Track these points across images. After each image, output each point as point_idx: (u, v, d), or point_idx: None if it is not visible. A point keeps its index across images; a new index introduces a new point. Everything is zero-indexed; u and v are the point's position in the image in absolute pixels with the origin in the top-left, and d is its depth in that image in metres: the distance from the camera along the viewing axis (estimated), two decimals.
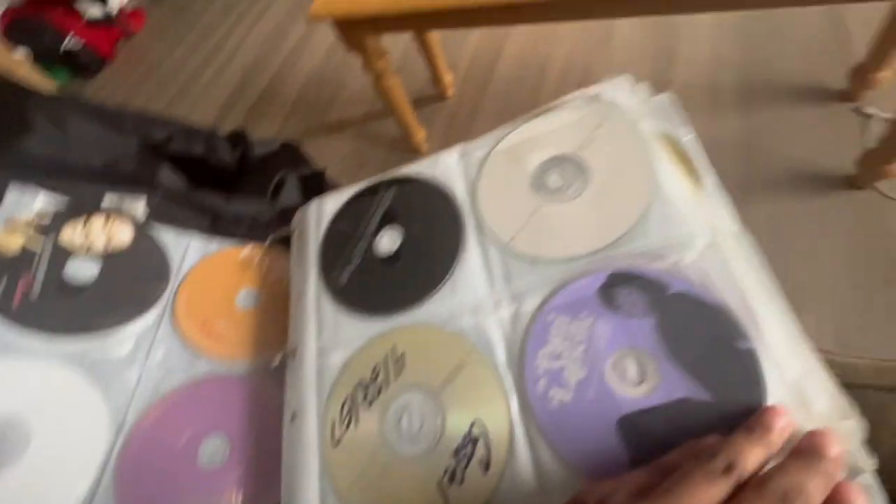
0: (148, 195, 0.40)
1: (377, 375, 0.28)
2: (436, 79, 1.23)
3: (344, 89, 1.40)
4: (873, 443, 0.29)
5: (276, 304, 0.36)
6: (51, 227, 0.34)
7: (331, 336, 0.30)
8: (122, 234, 0.36)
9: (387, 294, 0.30)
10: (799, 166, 0.90)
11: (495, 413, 0.25)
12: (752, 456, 0.17)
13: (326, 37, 1.51)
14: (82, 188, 0.37)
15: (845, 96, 0.96)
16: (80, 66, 1.78)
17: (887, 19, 0.79)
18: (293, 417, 0.29)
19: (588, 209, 0.28)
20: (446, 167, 0.34)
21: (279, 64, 1.56)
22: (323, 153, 1.26)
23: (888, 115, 0.88)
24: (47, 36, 1.68)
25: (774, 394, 0.21)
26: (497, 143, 0.33)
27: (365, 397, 0.27)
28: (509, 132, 0.33)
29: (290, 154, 0.63)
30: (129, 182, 0.40)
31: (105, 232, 0.36)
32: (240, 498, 0.29)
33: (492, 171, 0.32)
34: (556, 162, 0.31)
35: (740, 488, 0.17)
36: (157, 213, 0.40)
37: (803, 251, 0.82)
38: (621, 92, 0.31)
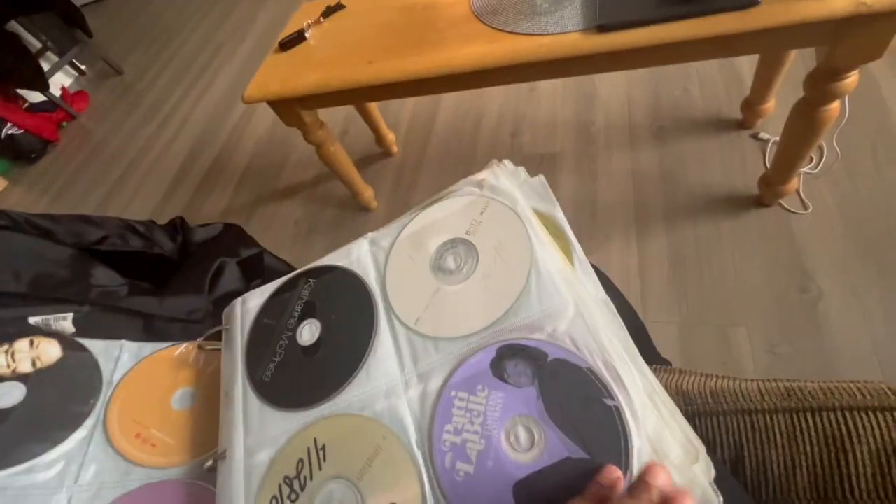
0: (77, 308, 0.40)
1: (301, 470, 0.29)
2: (379, 139, 1.29)
3: (292, 154, 1.44)
4: (763, 462, 0.33)
5: (213, 401, 0.37)
6: None
7: (257, 435, 0.32)
8: (50, 352, 0.37)
9: (308, 386, 0.32)
10: (712, 191, 0.99)
11: (409, 493, 0.26)
12: None
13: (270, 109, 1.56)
14: (4, 315, 0.38)
15: (742, 124, 1.08)
16: (23, 152, 1.76)
17: (760, 63, 0.92)
18: None
19: (479, 288, 0.32)
20: (358, 256, 0.37)
21: (226, 136, 1.60)
22: (275, 219, 1.28)
23: (777, 139, 0.99)
24: None
25: (637, 445, 0.24)
26: (401, 231, 0.37)
27: (290, 493, 0.29)
28: (411, 219, 0.37)
29: (231, 236, 0.65)
30: (57, 296, 0.41)
31: (30, 354, 0.36)
32: None
33: (398, 258, 0.36)
34: (451, 245, 0.34)
35: None
36: (86, 327, 0.40)
37: (726, 268, 0.89)
38: (502, 176, 0.35)
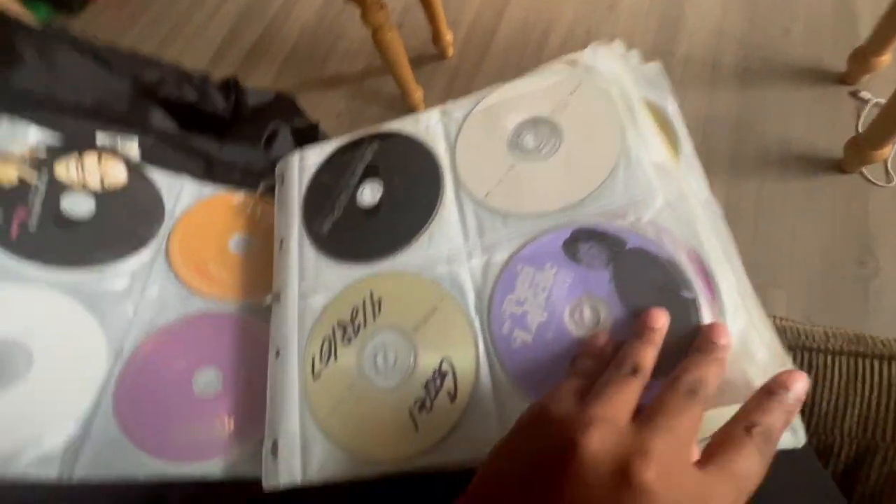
0: (140, 136, 0.40)
1: (355, 317, 0.30)
2: (436, 37, 1.20)
3: (341, 42, 1.36)
4: (813, 398, 0.33)
5: (267, 251, 0.38)
6: (45, 161, 0.35)
7: (312, 281, 0.32)
8: (117, 173, 0.38)
9: (367, 243, 0.32)
10: (790, 147, 0.91)
11: (463, 351, 0.27)
12: (646, 355, 0.21)
13: None
14: (73, 125, 0.38)
15: (843, 79, 0.96)
16: (64, 1, 1.70)
17: (890, 7, 0.79)
18: (277, 354, 0.31)
19: (559, 169, 0.30)
20: (427, 125, 0.35)
21: (274, 11, 1.51)
22: (317, 109, 1.25)
23: (880, 101, 0.89)
24: None
25: None
26: (477, 104, 0.34)
27: (344, 336, 0.30)
28: (489, 94, 0.34)
29: (284, 105, 0.63)
30: (120, 122, 0.41)
31: (99, 170, 0.37)
32: (231, 425, 0.32)
33: (471, 131, 0.34)
34: (532, 123, 0.32)
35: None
36: (150, 155, 0.41)
37: (784, 229, 0.85)
38: (605, 57, 0.32)
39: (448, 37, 1.20)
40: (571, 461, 0.17)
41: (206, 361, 0.34)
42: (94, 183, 0.36)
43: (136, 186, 0.38)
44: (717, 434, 0.19)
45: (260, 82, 1.34)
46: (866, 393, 0.31)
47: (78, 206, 0.35)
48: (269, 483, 0.27)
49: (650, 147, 0.28)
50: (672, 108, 0.30)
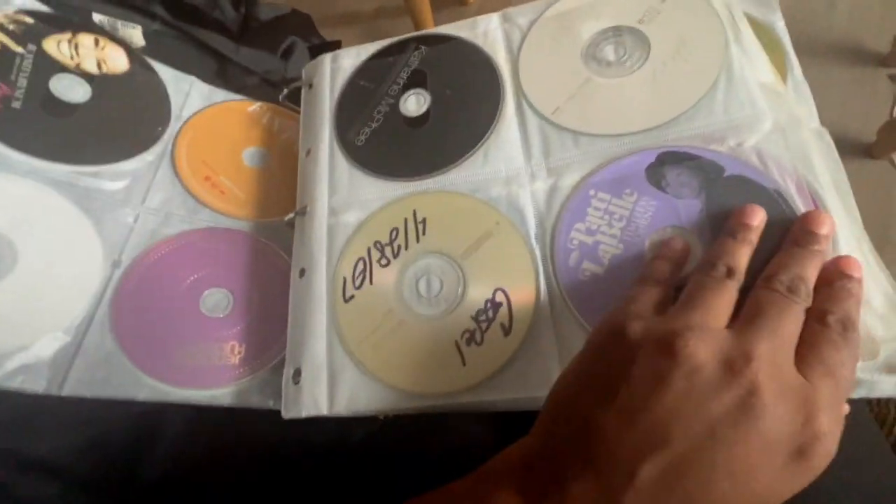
0: (145, 24, 0.35)
1: (395, 238, 0.26)
2: None
3: None
4: None
5: (286, 167, 0.34)
6: (32, 30, 0.30)
7: (345, 196, 0.28)
8: (117, 60, 0.32)
9: (409, 157, 0.28)
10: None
11: (521, 282, 0.24)
12: (742, 256, 0.19)
13: None
14: None
15: (884, 61, 0.92)
16: None
17: None
18: (302, 273, 0.28)
19: (644, 85, 0.26)
20: (486, 30, 0.30)
21: None
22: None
23: None
24: None
25: None
26: (546, 9, 0.30)
27: (381, 258, 0.26)
28: None
29: (301, 21, 0.57)
30: (121, 5, 0.35)
31: (95, 54, 0.32)
32: (242, 349, 0.29)
33: (538, 39, 0.29)
34: (614, 33, 0.27)
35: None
36: (156, 48, 0.35)
37: None
38: None
39: None
40: (673, 376, 0.15)
41: (215, 280, 0.30)
42: (91, 66, 0.31)
43: (139, 79, 0.33)
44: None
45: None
46: None
47: (71, 90, 0.30)
48: (288, 412, 0.24)
49: (756, 65, 0.24)
50: (780, 25, 0.26)
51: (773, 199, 0.21)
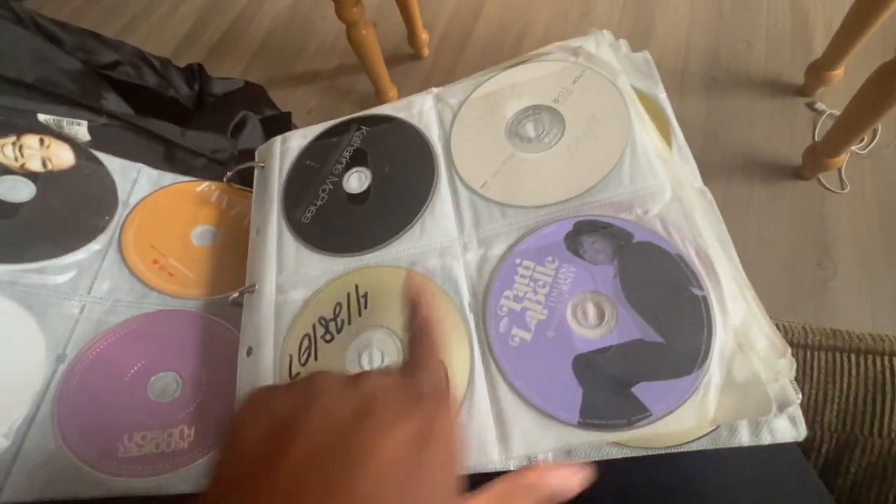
0: (90, 119, 0.36)
1: (339, 313, 0.27)
2: (411, 37, 1.18)
3: (314, 39, 1.32)
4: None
5: (236, 243, 0.35)
6: None
7: (291, 273, 0.29)
8: (63, 157, 0.33)
9: (352, 233, 0.30)
10: (753, 153, 0.95)
11: (457, 351, 0.25)
12: None
13: None
14: (11, 103, 0.33)
15: (801, 91, 1.01)
16: None
17: (847, 20, 0.84)
18: (249, 352, 0.28)
19: (561, 159, 0.28)
20: (421, 110, 0.33)
21: (243, 4, 1.45)
22: (286, 105, 1.19)
23: (835, 112, 0.94)
24: None
25: (721, 336, 0.22)
26: (474, 90, 0.32)
27: (325, 333, 0.27)
28: (487, 79, 0.32)
29: (253, 94, 0.59)
30: (68, 103, 0.36)
31: (40, 153, 0.32)
32: (191, 433, 0.28)
33: (467, 118, 0.32)
34: (533, 111, 0.30)
35: None
36: (102, 141, 0.36)
37: (747, 232, 0.88)
38: (602, 46, 0.31)
39: (423, 36, 1.19)
40: None
41: (163, 364, 0.30)
42: (35, 166, 0.32)
43: (86, 171, 0.34)
44: None
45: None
46: (845, 387, 0.31)
47: (14, 190, 0.31)
48: None
49: (652, 137, 0.27)
50: (663, 97, 0.30)
51: (675, 263, 0.24)
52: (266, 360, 0.27)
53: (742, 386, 0.20)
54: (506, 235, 0.27)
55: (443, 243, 0.28)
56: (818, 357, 0.33)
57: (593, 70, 0.30)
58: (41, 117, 0.33)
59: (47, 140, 0.33)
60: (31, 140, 0.32)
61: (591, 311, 0.24)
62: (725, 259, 0.24)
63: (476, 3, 1.29)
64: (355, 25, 0.89)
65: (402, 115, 0.33)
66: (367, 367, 0.26)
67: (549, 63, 0.31)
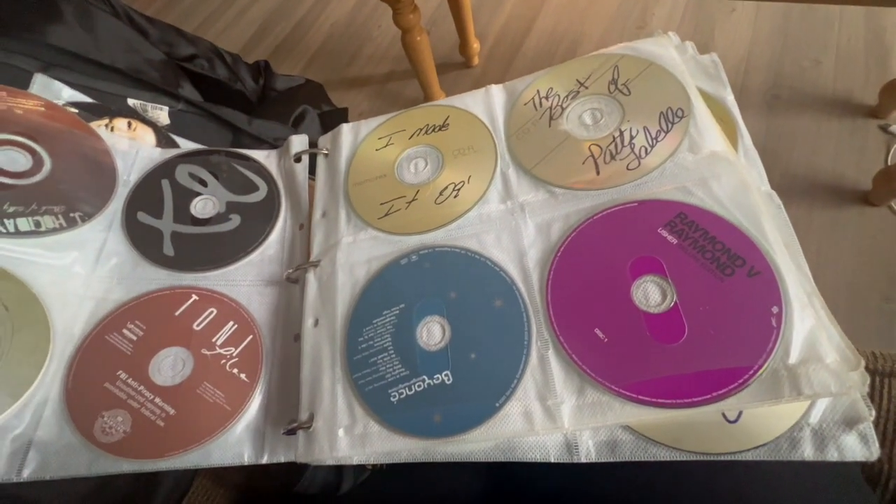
0: (170, 104, 0.39)
1: None
2: (463, 45, 1.20)
3: (368, 45, 1.37)
4: None
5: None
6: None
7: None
8: (146, 140, 0.36)
9: None
10: (817, 176, 0.90)
11: None
12: None
13: None
14: (106, 88, 0.37)
15: (873, 112, 0.95)
16: None
17: None
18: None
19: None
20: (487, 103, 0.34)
21: (306, 9, 1.52)
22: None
23: None
24: None
25: (796, 345, 0.21)
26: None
27: None
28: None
29: (313, 91, 0.62)
30: (152, 90, 0.40)
31: (128, 135, 0.36)
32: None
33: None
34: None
35: None
36: (179, 125, 0.39)
37: (808, 258, 0.82)
38: (668, 46, 0.31)
39: (474, 46, 1.21)
40: None
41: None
42: (123, 147, 0.35)
43: None
44: None
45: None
46: (876, 409, 0.29)
47: None
48: (301, 458, 0.25)
49: (715, 138, 0.26)
50: (730, 99, 0.29)
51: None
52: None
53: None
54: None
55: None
56: (889, 385, 0.30)
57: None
58: (130, 101, 0.37)
59: (134, 123, 0.36)
60: (120, 123, 0.36)
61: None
62: (791, 263, 0.22)
63: (530, 14, 1.30)
64: (410, 31, 0.91)
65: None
66: None
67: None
